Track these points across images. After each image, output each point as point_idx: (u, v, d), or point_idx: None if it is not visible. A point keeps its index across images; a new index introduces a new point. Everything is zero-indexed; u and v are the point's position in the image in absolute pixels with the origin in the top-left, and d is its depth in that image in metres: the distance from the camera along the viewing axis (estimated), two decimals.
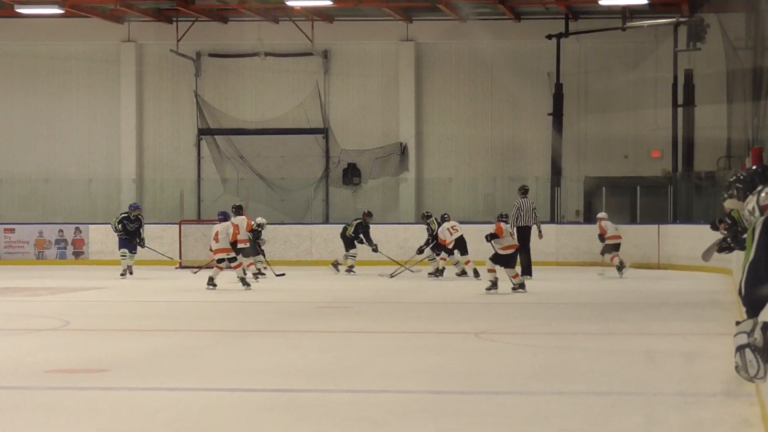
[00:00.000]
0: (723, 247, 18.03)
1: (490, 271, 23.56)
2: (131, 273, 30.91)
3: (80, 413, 11.32)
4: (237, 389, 12.79)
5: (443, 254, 29.11)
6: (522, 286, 23.43)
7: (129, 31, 41.73)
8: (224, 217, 25.96)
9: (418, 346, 16.86)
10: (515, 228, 28.21)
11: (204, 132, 41.33)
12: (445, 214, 28.83)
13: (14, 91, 41.99)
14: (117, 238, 31.44)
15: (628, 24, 37.89)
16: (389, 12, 39.32)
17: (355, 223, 32.06)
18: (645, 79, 38.79)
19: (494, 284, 23.33)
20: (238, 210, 29.47)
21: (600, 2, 36.47)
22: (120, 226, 31.01)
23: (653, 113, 38.49)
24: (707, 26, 36.37)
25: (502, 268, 23.62)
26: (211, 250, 26.10)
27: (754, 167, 21.27)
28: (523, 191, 29.98)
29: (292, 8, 38.48)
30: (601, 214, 30.08)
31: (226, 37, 41.43)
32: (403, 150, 40.57)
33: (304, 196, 40.73)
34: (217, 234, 24.60)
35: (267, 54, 41.32)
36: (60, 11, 39.10)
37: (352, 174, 40.39)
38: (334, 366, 14.70)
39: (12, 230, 38.52)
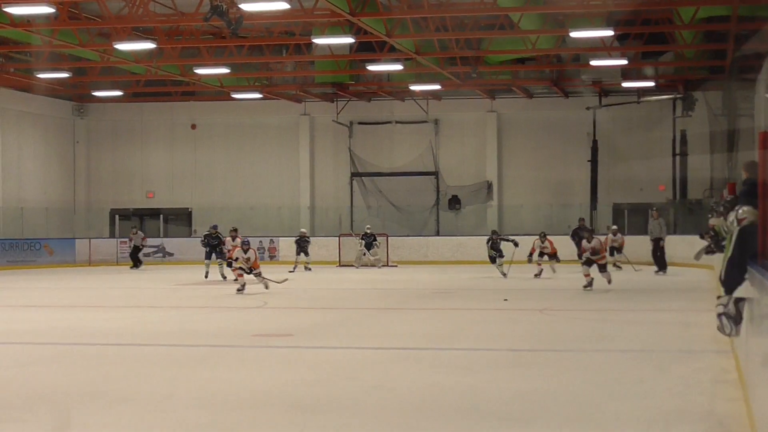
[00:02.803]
0: (708, 250, 18.15)
1: (586, 275, 22.15)
2: (206, 277, 28.26)
3: (276, 365, 11.70)
4: (380, 348, 13.06)
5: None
6: (590, 284, 22.19)
7: (305, 108, 42.15)
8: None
9: (501, 319, 17.05)
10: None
11: (355, 175, 41.53)
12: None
13: (230, 149, 42.51)
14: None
15: (642, 99, 37.72)
16: (479, 92, 39.44)
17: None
18: (653, 136, 38.43)
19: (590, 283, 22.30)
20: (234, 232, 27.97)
21: (622, 84, 36.34)
22: (204, 241, 29.48)
23: (659, 159, 38.20)
24: (696, 100, 36.25)
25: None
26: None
27: (730, 197, 21.21)
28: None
29: (413, 91, 38.72)
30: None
31: (369, 110, 41.66)
32: (489, 186, 40.54)
33: (422, 217, 40.80)
34: None
35: (397, 122, 41.51)
36: (260, 96, 39.75)
37: (454, 202, 40.44)
38: (443, 332, 14.93)
39: None
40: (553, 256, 28.10)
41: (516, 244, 27.61)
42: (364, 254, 35.08)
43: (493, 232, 29.16)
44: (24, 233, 38.82)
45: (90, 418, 8.39)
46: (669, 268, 28.97)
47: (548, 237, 28.18)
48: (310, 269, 33.16)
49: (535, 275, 27.23)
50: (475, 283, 25.00)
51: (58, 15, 27.52)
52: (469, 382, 10.03)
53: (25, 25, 28.01)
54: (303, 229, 34.99)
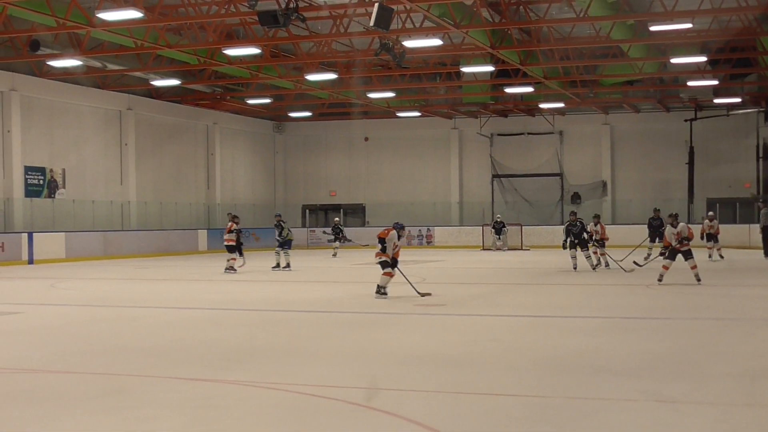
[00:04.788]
0: None
1: (665, 267, 17.35)
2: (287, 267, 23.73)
3: (433, 328, 11.79)
4: (517, 315, 13.04)
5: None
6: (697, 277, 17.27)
7: (455, 123, 42.20)
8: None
9: (614, 293, 16.80)
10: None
11: (495, 176, 41.41)
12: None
13: (395, 157, 42.92)
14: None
15: (731, 112, 36.78)
16: (596, 108, 38.97)
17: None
18: (740, 143, 37.47)
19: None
20: (234, 218, 23.54)
21: (714, 101, 35.45)
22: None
23: (745, 162, 37.22)
24: None
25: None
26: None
27: None
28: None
29: (542, 108, 38.43)
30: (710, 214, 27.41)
31: (506, 124, 41.47)
32: (604, 184, 39.95)
33: (549, 210, 40.43)
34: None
35: (528, 133, 41.23)
36: (418, 114, 39.98)
37: (575, 197, 39.94)
38: (567, 303, 14.83)
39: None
40: (599, 242, 22.39)
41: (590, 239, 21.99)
42: (499, 239, 35.12)
43: (571, 213, 22.92)
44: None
45: (291, 370, 8.62)
46: (753, 251, 27.69)
47: (601, 222, 22.44)
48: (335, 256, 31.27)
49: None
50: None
51: (263, 54, 28.23)
52: (589, 344, 9.95)
53: (238, 62, 28.85)
54: (336, 218, 34.69)
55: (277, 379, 8.07)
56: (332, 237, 32.62)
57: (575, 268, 21.91)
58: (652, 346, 9.83)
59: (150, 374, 8.41)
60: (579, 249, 21.97)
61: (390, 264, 14.92)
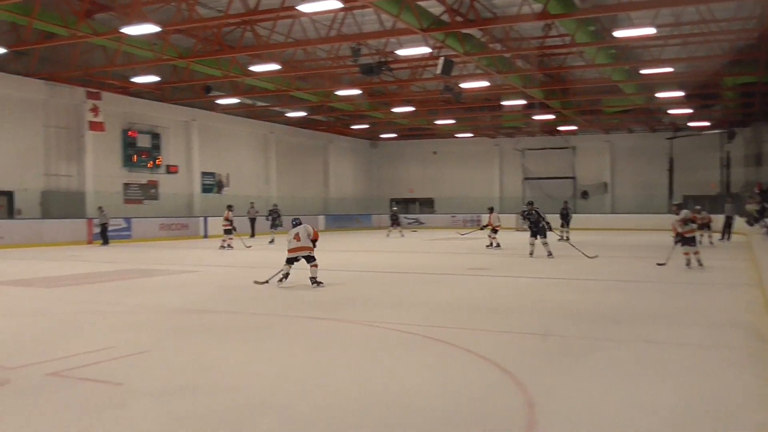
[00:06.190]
0: (747, 223, 15.89)
1: (686, 254, 13.99)
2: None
3: (477, 285, 11.58)
4: (539, 277, 12.64)
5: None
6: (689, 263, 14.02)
7: (497, 141, 41.73)
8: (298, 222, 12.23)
9: (607, 263, 16.21)
10: None
11: (526, 178, 40.79)
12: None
13: (454, 166, 42.56)
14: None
15: (702, 132, 35.54)
16: (599, 130, 38.10)
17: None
18: (708, 155, 36.14)
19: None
20: (229, 207, 21.31)
21: (689, 124, 34.42)
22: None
23: (712, 169, 35.93)
24: (736, 133, 33.94)
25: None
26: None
27: (758, 191, 19.26)
28: None
29: (560, 130, 37.65)
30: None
31: (534, 141, 40.72)
32: (606, 185, 38.98)
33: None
34: (297, 235, 11.66)
35: (550, 148, 40.41)
36: (471, 135, 39.65)
37: (584, 194, 39.14)
38: (574, 270, 14.44)
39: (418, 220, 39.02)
40: (492, 229, 21.08)
41: (549, 227, 17.28)
42: (524, 223, 34.33)
43: (528, 203, 17.77)
44: (345, 211, 40.31)
45: (380, 312, 8.73)
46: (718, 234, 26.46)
47: (493, 213, 21.58)
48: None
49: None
50: (596, 240, 23.93)
51: (363, 94, 28.41)
52: (582, 299, 9.82)
53: (345, 100, 29.12)
54: (395, 207, 33.51)
55: (371, 318, 8.20)
56: (390, 222, 30.40)
57: (531, 255, 17.28)
58: (632, 299, 9.65)
59: (286, 314, 8.61)
60: (537, 237, 17.17)
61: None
